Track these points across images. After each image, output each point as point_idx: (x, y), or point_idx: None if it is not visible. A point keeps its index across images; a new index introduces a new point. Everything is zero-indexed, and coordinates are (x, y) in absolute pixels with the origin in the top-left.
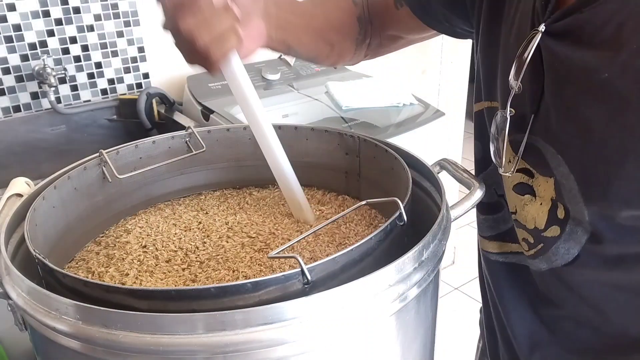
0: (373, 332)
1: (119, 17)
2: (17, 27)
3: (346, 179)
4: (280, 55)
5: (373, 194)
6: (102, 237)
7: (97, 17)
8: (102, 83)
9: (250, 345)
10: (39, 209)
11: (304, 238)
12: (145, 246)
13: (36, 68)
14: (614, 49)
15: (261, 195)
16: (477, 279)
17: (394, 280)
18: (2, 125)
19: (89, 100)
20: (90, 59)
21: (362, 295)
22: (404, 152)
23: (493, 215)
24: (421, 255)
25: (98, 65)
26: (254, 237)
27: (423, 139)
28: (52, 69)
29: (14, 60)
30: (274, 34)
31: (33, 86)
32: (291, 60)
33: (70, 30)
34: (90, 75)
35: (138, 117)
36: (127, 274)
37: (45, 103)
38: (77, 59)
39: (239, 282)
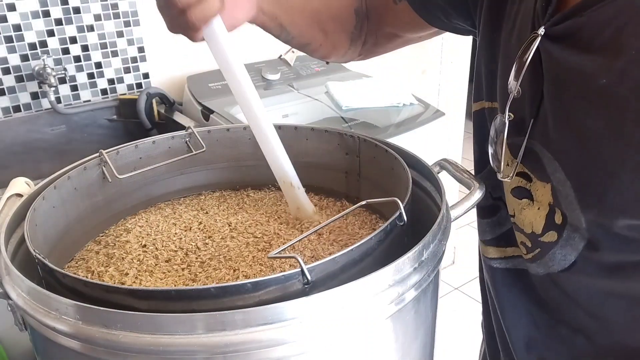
0: (373, 332)
1: (119, 17)
2: (17, 27)
3: (346, 179)
4: (280, 55)
5: (373, 194)
6: (102, 236)
7: (97, 17)
8: (102, 83)
9: (250, 345)
10: (39, 209)
11: (304, 238)
12: (145, 245)
13: (36, 68)
14: (612, 55)
15: (258, 196)
16: (477, 279)
17: (394, 280)
18: (2, 125)
19: (89, 100)
20: (90, 59)
21: (362, 295)
22: (404, 152)
23: (488, 219)
24: (421, 255)
25: (98, 65)
26: (258, 237)
27: (423, 139)
28: (52, 69)
29: (14, 60)
30: (265, 6)
31: (33, 86)
32: (291, 60)
33: (70, 30)
34: (90, 75)
35: (138, 117)
36: (127, 274)
37: (45, 103)
38: (77, 59)
39: (239, 282)
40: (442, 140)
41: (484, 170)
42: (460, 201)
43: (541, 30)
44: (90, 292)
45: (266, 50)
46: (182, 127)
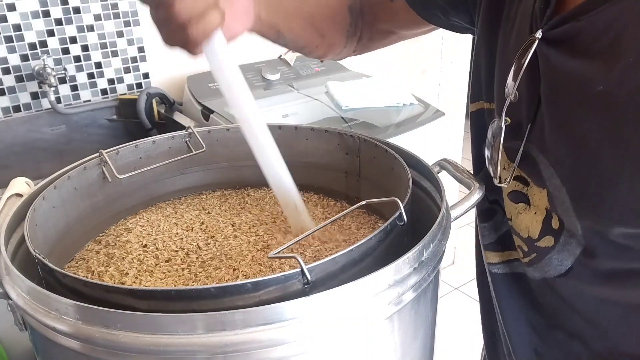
0: (373, 332)
1: (119, 17)
2: (17, 27)
3: (346, 179)
4: (280, 55)
5: (373, 194)
6: (103, 236)
7: (97, 17)
8: (102, 83)
9: (250, 345)
10: (39, 209)
11: (303, 238)
12: (145, 245)
13: (36, 68)
14: (610, 61)
15: (259, 195)
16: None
17: (394, 280)
18: (2, 125)
19: (89, 100)
20: (90, 59)
21: (362, 295)
22: (404, 152)
23: (486, 223)
24: (421, 255)
25: (98, 65)
26: (259, 236)
27: (423, 139)
28: (52, 69)
29: (14, 60)
30: (263, 15)
31: (33, 86)
32: (291, 60)
33: (70, 30)
34: (90, 75)
35: (138, 117)
36: (127, 274)
37: (45, 103)
38: (77, 59)
39: (239, 282)
40: (442, 140)
41: (480, 172)
42: (460, 201)
43: (539, 34)
44: (90, 292)
45: (266, 50)
46: (182, 127)
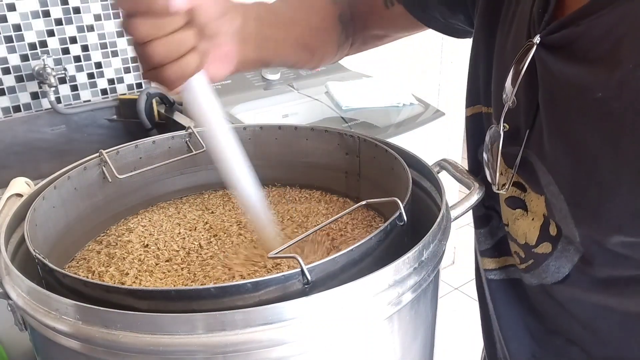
0: (373, 332)
1: (119, 17)
2: (17, 27)
3: (346, 179)
4: None
5: (373, 194)
6: (104, 236)
7: (97, 17)
8: (102, 83)
9: (250, 345)
10: (39, 209)
11: (303, 238)
12: (147, 245)
13: (36, 68)
14: (610, 67)
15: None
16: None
17: (394, 280)
18: (2, 125)
19: (89, 100)
20: (90, 59)
21: (362, 295)
22: (404, 152)
23: (481, 229)
24: (421, 255)
25: (98, 65)
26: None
27: (423, 139)
28: (52, 69)
29: (14, 60)
30: (251, 55)
31: (33, 86)
32: None
33: (70, 30)
34: (90, 75)
35: (138, 117)
36: (127, 274)
37: (45, 103)
38: (77, 59)
39: (238, 282)
40: (442, 140)
41: (478, 177)
42: (460, 201)
43: (537, 39)
44: (90, 292)
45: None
46: (182, 127)
